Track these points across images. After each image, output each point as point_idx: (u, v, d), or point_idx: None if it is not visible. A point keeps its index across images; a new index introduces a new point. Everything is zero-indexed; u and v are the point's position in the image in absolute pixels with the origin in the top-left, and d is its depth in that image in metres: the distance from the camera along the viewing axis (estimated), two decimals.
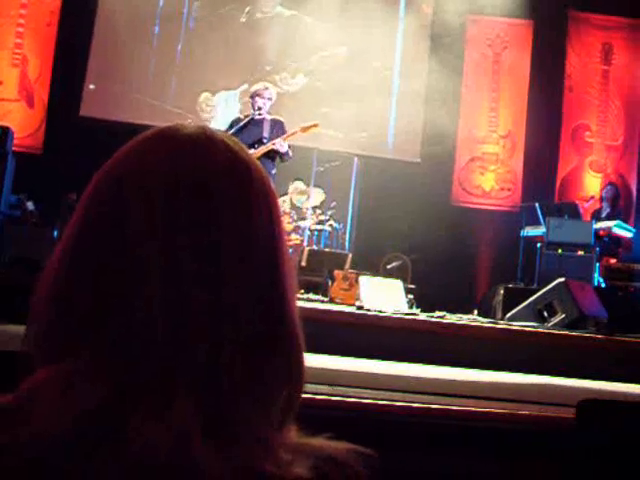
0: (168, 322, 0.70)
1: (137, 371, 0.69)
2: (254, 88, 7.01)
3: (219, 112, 9.64)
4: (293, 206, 8.33)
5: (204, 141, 0.77)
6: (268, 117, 6.77)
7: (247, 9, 9.80)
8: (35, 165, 8.52)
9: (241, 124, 6.66)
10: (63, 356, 0.71)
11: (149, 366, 0.69)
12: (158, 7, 9.66)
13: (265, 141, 6.60)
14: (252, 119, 6.68)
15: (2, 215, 7.21)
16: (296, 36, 9.63)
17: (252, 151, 6.27)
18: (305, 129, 6.78)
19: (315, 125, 6.82)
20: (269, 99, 6.77)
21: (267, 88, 6.88)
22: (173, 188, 0.73)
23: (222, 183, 0.75)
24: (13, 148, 7.68)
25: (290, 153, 6.70)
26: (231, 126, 6.75)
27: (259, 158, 6.17)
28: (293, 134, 6.70)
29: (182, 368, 0.70)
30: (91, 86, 9.46)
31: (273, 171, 6.67)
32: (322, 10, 9.53)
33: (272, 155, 6.64)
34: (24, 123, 9.10)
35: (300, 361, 0.78)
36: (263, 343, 0.74)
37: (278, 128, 6.75)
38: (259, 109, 6.69)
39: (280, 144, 6.55)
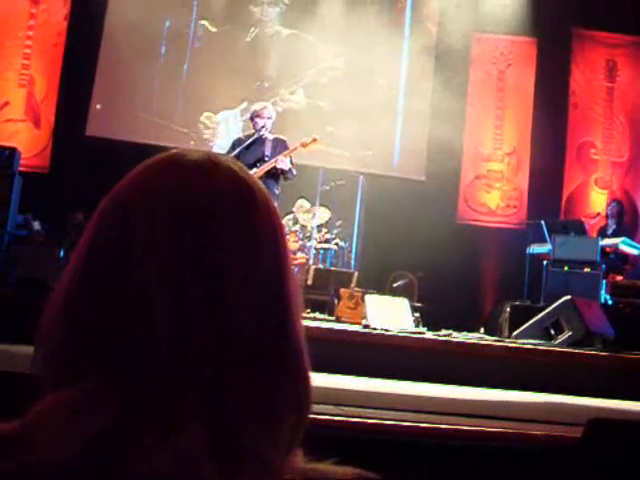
0: (172, 339, 0.70)
1: (144, 386, 0.69)
2: (253, 108, 6.95)
3: (221, 131, 9.67)
4: (298, 224, 8.33)
5: (209, 166, 0.78)
6: (270, 136, 6.69)
7: (252, 29, 9.87)
8: (41, 185, 8.55)
9: (246, 144, 6.58)
10: (71, 378, 0.72)
11: (156, 380, 0.69)
12: (164, 27, 9.73)
13: (267, 160, 6.52)
14: (257, 138, 6.64)
15: (9, 235, 7.23)
16: (299, 54, 9.68)
17: (254, 170, 6.23)
18: (305, 145, 6.70)
19: (315, 140, 6.73)
20: (269, 118, 6.68)
21: (265, 107, 6.82)
22: (178, 210, 0.74)
23: (226, 205, 0.76)
24: (20, 168, 7.71)
25: (294, 171, 6.61)
26: (233, 147, 6.69)
27: (261, 177, 6.12)
28: (294, 150, 6.63)
29: (189, 381, 0.70)
30: (97, 106, 9.52)
31: (277, 191, 6.59)
32: (326, 29, 9.59)
33: (275, 174, 6.55)
34: (31, 143, 9.16)
35: (306, 380, 0.78)
36: (268, 361, 0.74)
37: (280, 147, 6.66)
38: (262, 128, 6.64)
39: (282, 160, 6.46)
